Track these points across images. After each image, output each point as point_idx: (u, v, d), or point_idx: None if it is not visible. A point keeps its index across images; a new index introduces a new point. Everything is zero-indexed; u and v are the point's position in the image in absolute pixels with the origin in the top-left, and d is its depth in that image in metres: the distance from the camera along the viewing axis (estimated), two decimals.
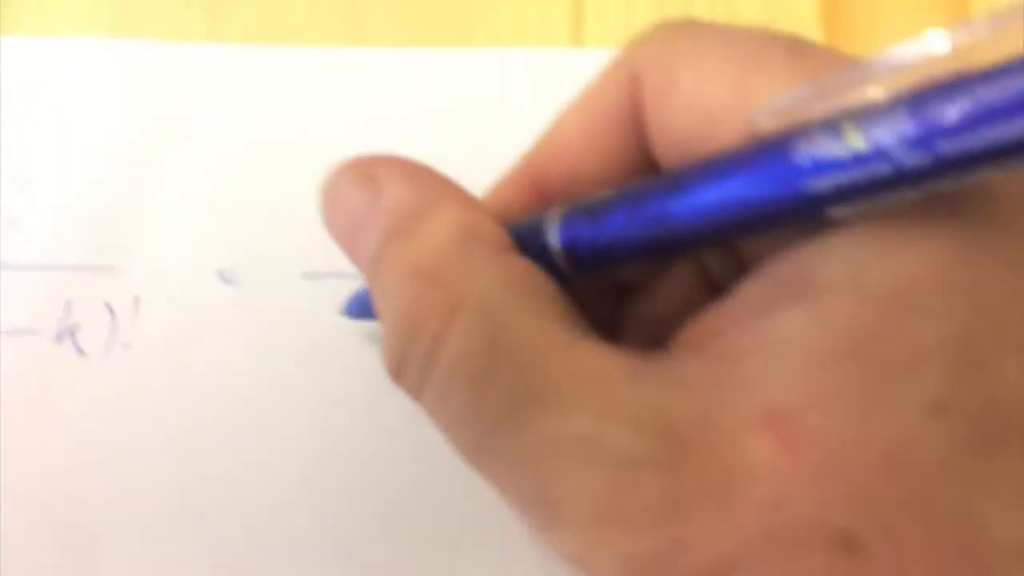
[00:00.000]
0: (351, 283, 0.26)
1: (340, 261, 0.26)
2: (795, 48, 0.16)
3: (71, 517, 0.25)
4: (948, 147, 0.13)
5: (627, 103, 0.18)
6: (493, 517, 0.24)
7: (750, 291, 0.16)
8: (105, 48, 0.29)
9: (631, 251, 0.17)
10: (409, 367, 0.16)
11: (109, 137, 0.28)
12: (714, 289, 0.20)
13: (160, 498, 0.25)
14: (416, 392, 0.17)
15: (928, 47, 0.13)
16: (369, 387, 0.26)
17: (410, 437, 0.25)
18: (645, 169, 0.19)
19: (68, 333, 0.26)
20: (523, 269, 0.17)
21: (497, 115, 0.28)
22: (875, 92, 0.14)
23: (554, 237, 0.18)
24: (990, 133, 0.12)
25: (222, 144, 0.28)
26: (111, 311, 0.26)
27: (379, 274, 0.17)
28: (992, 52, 0.12)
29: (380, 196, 0.18)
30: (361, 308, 0.25)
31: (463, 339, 0.16)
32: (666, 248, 0.17)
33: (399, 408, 0.25)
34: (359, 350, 0.26)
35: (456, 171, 0.28)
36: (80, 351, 0.26)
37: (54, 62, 0.29)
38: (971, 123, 0.12)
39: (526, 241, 0.18)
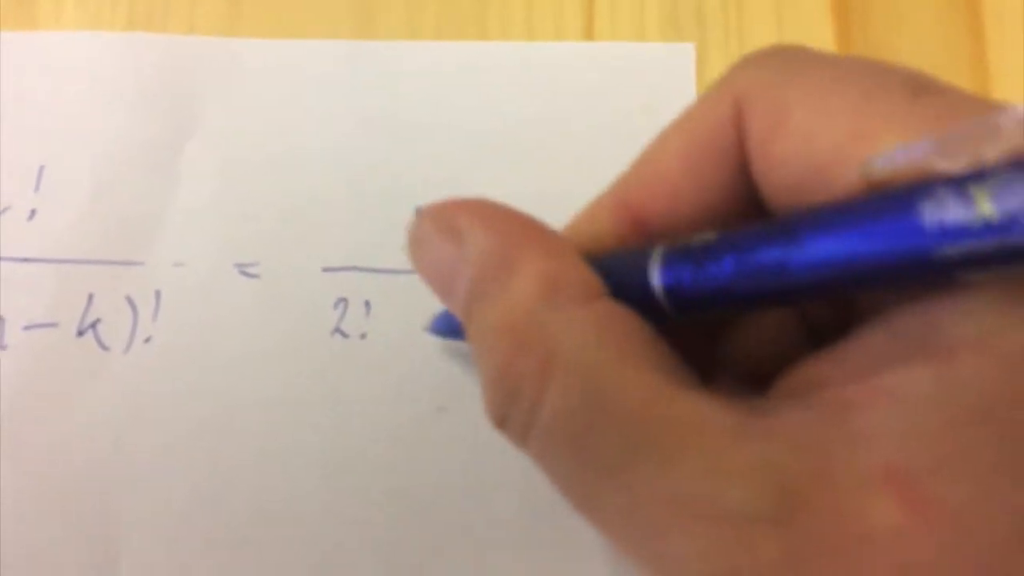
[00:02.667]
0: (370, 277, 0.27)
1: (359, 256, 0.27)
2: (915, 86, 0.16)
3: (92, 511, 0.25)
4: None
5: (731, 134, 0.18)
6: (515, 517, 0.25)
7: (867, 343, 0.15)
8: (123, 43, 0.29)
9: (739, 299, 0.16)
10: (511, 423, 0.17)
11: (128, 132, 0.28)
12: (813, 333, 0.20)
13: (180, 491, 0.25)
14: (520, 444, 0.17)
15: None
16: (389, 381, 0.26)
17: (430, 432, 0.25)
18: (747, 203, 0.18)
19: (90, 327, 0.26)
20: (615, 316, 0.16)
21: (510, 108, 0.28)
22: (1003, 150, 0.13)
23: (656, 278, 0.17)
24: None
25: (239, 138, 0.28)
26: (132, 305, 0.27)
27: (471, 329, 0.18)
28: None
29: (464, 249, 0.18)
30: (447, 327, 0.25)
31: (560, 399, 0.16)
32: (777, 298, 0.16)
33: (418, 403, 0.26)
34: (379, 345, 0.26)
35: (469, 164, 0.29)
36: (102, 345, 0.26)
37: (73, 57, 0.29)
38: None
39: (622, 278, 0.17)
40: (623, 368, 0.16)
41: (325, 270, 0.27)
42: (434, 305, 0.26)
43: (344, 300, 0.27)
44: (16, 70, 0.29)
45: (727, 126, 0.18)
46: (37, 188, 0.28)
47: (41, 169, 0.28)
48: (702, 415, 0.15)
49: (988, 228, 0.13)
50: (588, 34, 0.29)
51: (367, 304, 0.27)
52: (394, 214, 0.27)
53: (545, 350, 0.16)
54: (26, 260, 0.27)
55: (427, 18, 0.29)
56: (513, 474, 0.25)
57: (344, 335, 0.26)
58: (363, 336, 0.26)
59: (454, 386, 0.26)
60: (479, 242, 0.18)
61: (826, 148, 0.16)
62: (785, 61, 0.17)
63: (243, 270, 0.27)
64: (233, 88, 0.29)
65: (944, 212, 0.13)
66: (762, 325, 0.20)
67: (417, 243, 0.19)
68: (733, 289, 0.16)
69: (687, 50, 0.29)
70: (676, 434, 0.15)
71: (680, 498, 0.14)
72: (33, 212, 0.27)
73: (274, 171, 0.28)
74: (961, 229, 0.13)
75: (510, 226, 0.18)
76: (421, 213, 0.19)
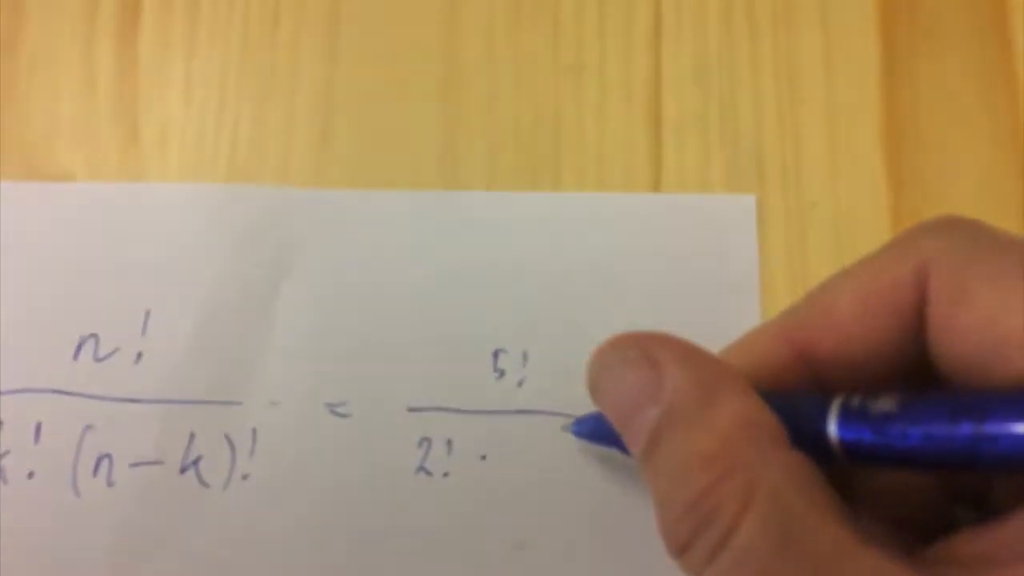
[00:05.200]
0: (454, 417, 0.28)
1: (443, 397, 0.29)
2: None
3: None
4: None
5: (911, 295, 0.19)
6: None
7: None
8: (222, 193, 0.31)
9: (920, 464, 0.17)
10: (696, 548, 0.17)
11: (227, 278, 0.30)
12: (953, 491, 0.21)
13: None
14: (698, 570, 0.17)
15: None
16: (470, 518, 0.27)
17: (509, 568, 0.27)
18: (913, 360, 0.19)
19: (192, 464, 0.28)
20: (804, 465, 0.17)
21: (582, 255, 0.30)
22: None
23: (833, 431, 0.18)
24: None
25: (330, 283, 0.30)
26: (231, 443, 0.28)
27: (659, 455, 0.19)
28: None
29: (662, 379, 0.19)
30: (590, 431, 0.26)
31: (756, 529, 0.16)
32: (959, 469, 0.17)
33: (498, 539, 0.27)
34: (460, 483, 0.28)
35: (545, 308, 0.30)
36: (203, 482, 0.28)
37: (177, 207, 0.31)
38: None
39: (796, 422, 0.19)
40: (814, 516, 0.17)
41: (410, 410, 0.29)
42: (510, 440, 0.28)
43: (428, 439, 0.28)
44: (124, 219, 0.31)
45: (908, 286, 0.19)
46: (144, 331, 0.29)
47: (147, 313, 0.30)
48: (883, 573, 0.16)
49: None
50: (655, 185, 0.31)
51: (449, 443, 0.28)
52: (474, 357, 0.29)
53: (747, 481, 0.17)
54: (133, 400, 0.29)
55: (505, 168, 0.31)
56: None
57: (428, 473, 0.28)
58: (445, 475, 0.28)
59: (532, 522, 0.27)
60: (678, 374, 0.19)
61: (1008, 331, 0.17)
62: (969, 237, 0.18)
63: (333, 409, 0.29)
64: (324, 235, 0.31)
65: None
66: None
67: (602, 369, 0.21)
68: (915, 457, 0.17)
69: (749, 201, 0.31)
70: None
71: None
72: (139, 355, 0.29)
73: (362, 315, 0.30)
74: None
75: (707, 364, 0.19)
76: (608, 342, 0.21)
